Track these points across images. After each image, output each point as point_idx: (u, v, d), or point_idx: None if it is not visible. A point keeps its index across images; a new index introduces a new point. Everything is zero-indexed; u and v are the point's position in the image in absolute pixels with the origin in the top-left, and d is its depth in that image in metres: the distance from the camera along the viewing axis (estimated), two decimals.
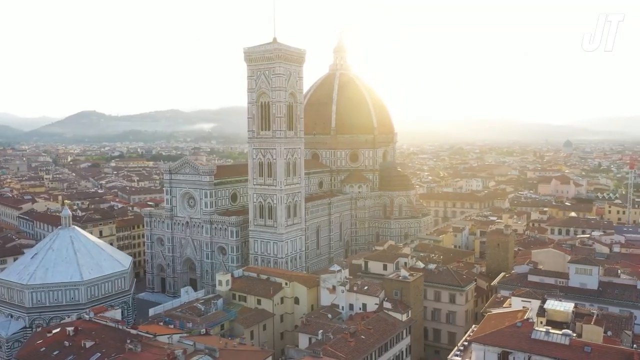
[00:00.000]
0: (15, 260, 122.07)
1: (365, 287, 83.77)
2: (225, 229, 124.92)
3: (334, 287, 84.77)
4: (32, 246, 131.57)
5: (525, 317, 59.08)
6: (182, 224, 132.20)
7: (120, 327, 66.68)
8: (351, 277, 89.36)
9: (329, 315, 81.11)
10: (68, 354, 61.16)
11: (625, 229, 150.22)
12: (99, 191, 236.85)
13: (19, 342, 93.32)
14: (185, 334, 65.67)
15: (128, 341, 61.27)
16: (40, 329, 76.08)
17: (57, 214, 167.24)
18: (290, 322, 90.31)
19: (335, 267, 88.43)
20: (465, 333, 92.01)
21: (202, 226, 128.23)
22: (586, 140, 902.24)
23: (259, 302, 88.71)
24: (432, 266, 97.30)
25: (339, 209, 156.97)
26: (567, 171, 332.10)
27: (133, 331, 64.22)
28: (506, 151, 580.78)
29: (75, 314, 76.97)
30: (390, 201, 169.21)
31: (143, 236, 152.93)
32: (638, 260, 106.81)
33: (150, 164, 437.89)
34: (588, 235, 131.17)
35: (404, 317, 79.24)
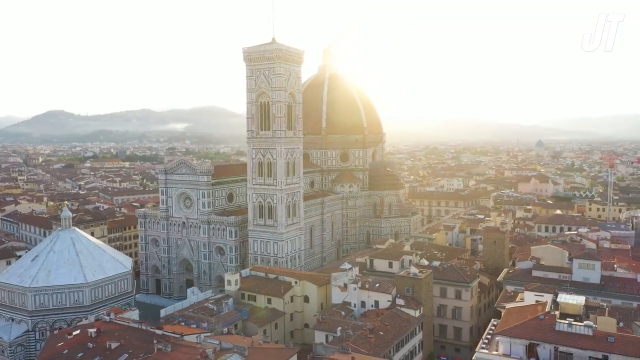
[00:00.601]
0: (8, 263, 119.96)
1: (377, 285, 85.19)
2: (224, 229, 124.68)
3: (345, 285, 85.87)
4: (23, 249, 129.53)
5: (546, 310, 61.31)
6: (178, 224, 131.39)
7: (143, 327, 66.27)
8: (360, 275, 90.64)
9: (342, 313, 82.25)
10: (93, 356, 60.57)
11: (608, 225, 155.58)
12: (81, 192, 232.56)
13: (21, 346, 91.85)
14: (209, 333, 65.78)
15: (155, 341, 61.20)
16: (56, 331, 74.74)
17: (44, 215, 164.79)
18: (300, 321, 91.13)
19: (346, 266, 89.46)
20: (471, 328, 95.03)
21: (200, 226, 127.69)
22: (555, 140, 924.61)
23: (269, 301, 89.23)
24: (436, 263, 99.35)
25: (331, 209, 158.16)
26: (542, 170, 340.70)
27: (158, 331, 63.99)
28: (480, 151, 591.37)
29: (94, 315, 75.92)
30: (381, 200, 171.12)
31: (135, 237, 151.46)
32: (627, 255, 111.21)
33: (127, 164, 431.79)
34: (575, 232, 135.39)
35: (417, 314, 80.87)
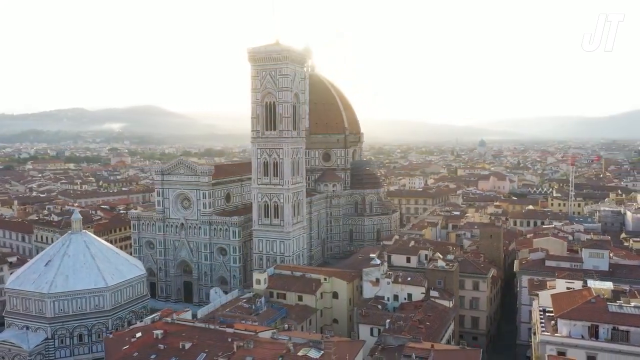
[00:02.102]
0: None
1: (409, 278, 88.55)
2: (227, 229, 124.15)
3: (377, 280, 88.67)
4: (14, 254, 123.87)
5: (594, 295, 66.88)
6: (176, 225, 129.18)
7: (210, 326, 66.19)
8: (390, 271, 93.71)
9: (379, 307, 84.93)
10: (169, 357, 59.88)
11: (576, 219, 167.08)
12: (41, 195, 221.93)
13: (41, 354, 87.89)
14: (274, 330, 66.67)
15: (230, 339, 61.63)
16: (111, 335, 72.45)
17: (16, 219, 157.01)
18: (329, 316, 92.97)
19: (377, 261, 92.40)
20: (487, 318, 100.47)
21: (200, 227, 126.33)
22: (490, 140, 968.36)
23: (299, 298, 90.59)
24: (450, 257, 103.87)
25: (317, 208, 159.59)
26: (492, 169, 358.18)
27: (229, 330, 64.21)
28: (426, 151, 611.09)
29: (150, 317, 73.99)
30: (362, 199, 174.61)
31: (122, 240, 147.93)
32: (609, 245, 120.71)
33: (72, 166, 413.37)
34: (552, 226, 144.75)
35: (451, 304, 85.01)
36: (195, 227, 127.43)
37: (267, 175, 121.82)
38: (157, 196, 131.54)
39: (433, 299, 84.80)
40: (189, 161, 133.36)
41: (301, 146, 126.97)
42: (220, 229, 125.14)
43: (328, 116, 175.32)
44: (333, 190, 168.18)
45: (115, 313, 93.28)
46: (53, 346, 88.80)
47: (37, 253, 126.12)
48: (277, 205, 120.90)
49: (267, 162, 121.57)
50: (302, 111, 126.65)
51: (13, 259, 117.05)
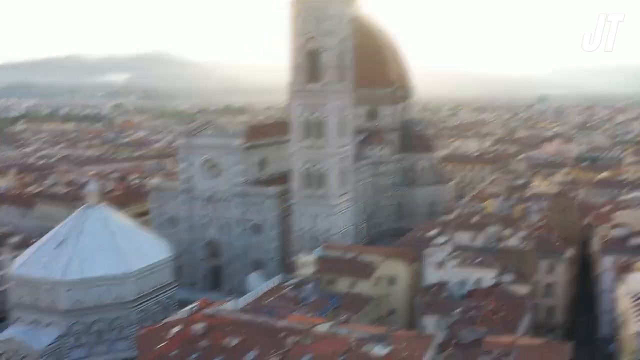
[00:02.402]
0: None
1: (478, 260, 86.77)
2: (262, 202, 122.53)
3: (441, 263, 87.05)
4: (13, 234, 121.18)
5: None
6: (203, 198, 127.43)
7: (259, 319, 66.15)
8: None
9: (444, 294, 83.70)
10: (213, 356, 59.80)
11: None
12: (40, 162, 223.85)
13: (54, 354, 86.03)
14: (333, 322, 66.32)
15: (282, 334, 61.47)
16: (143, 330, 71.97)
17: (18, 192, 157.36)
18: (385, 306, 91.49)
19: (440, 240, 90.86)
20: (565, 307, 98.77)
21: (231, 200, 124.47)
22: (551, 95, 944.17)
23: (352, 284, 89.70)
24: (522, 233, 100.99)
25: (362, 176, 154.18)
26: (556, 129, 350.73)
27: (280, 323, 64.11)
28: (478, 107, 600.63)
29: (186, 309, 73.54)
30: (412, 166, 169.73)
31: (140, 215, 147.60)
32: None
33: (71, 126, 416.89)
34: (631, 196, 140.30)
35: (527, 291, 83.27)
36: (225, 199, 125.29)
37: (309, 137, 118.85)
38: (180, 163, 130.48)
39: (506, 285, 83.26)
40: (218, 120, 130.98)
41: (348, 102, 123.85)
42: (255, 202, 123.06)
43: (373, 66, 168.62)
44: (380, 155, 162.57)
45: (139, 304, 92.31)
46: (68, 345, 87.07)
47: (41, 232, 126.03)
48: (321, 173, 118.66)
49: (308, 121, 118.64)
50: (349, 60, 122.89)
51: (15, 240, 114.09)
